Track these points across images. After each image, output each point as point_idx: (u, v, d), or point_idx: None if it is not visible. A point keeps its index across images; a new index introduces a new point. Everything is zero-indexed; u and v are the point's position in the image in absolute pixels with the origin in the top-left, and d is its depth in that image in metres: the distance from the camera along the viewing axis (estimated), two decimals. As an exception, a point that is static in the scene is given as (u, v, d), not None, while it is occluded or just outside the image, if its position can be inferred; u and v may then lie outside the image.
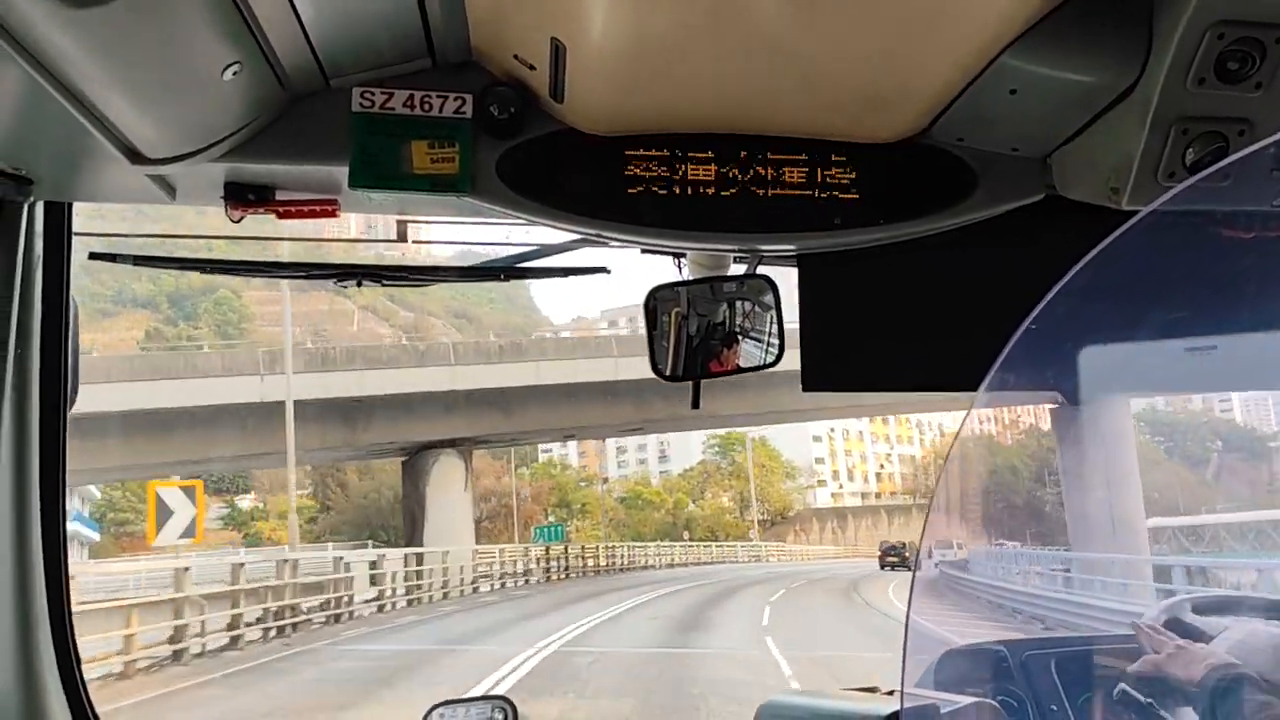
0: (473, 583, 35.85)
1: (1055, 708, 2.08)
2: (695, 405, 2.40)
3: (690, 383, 2.37)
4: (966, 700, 1.96)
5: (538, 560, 44.06)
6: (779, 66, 1.84)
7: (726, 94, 1.95)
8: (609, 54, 1.78)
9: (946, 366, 2.22)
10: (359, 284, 2.40)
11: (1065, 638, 2.53)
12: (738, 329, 2.35)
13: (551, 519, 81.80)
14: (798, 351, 2.28)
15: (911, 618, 1.59)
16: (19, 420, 2.03)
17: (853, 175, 2.09)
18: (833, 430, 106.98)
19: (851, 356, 2.33)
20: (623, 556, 56.11)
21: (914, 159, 2.11)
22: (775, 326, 2.32)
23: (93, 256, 2.28)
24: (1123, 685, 1.84)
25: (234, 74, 1.68)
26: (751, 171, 2.07)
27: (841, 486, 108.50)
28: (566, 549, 48.95)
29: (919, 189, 2.11)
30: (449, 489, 40.71)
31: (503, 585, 38.59)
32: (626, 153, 2.05)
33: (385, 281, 2.44)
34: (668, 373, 2.31)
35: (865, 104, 1.98)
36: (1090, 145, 1.99)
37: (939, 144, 2.10)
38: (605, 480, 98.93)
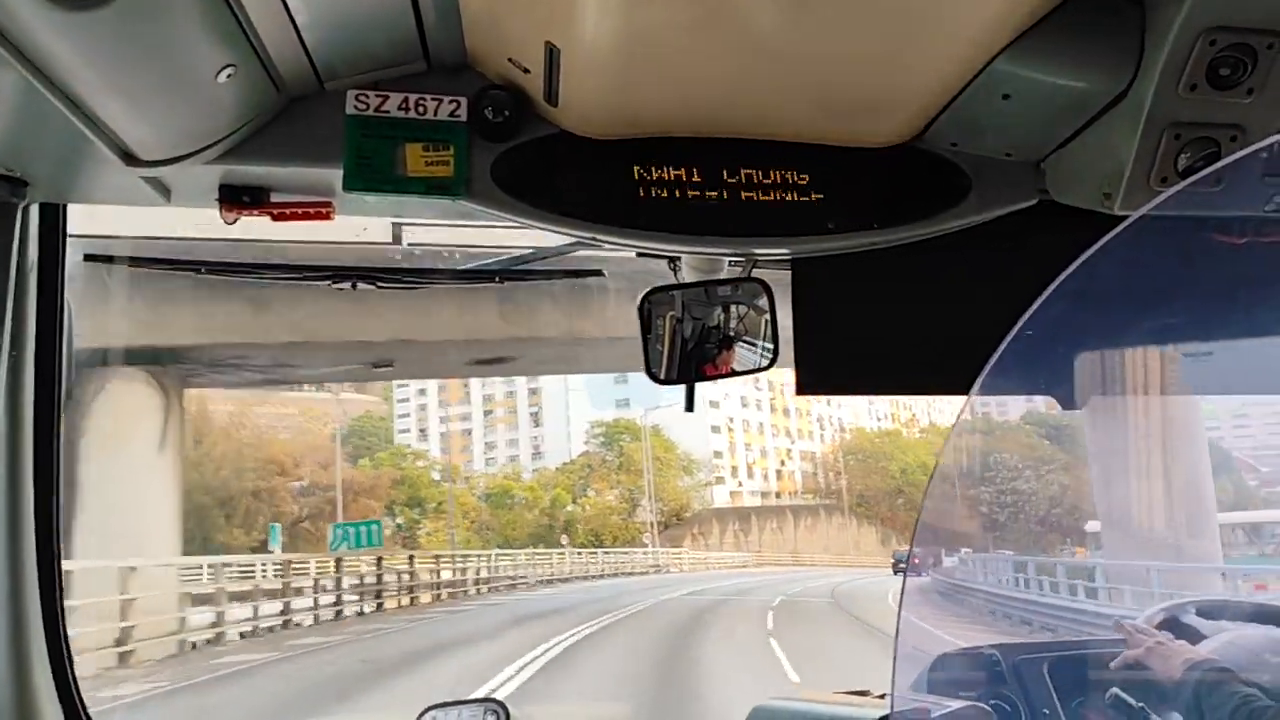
0: (120, 643, 17.69)
1: (1048, 712, 2.09)
2: (689, 408, 2.40)
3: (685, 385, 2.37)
4: (958, 704, 1.96)
5: (319, 583, 26.18)
6: (772, 71, 1.85)
7: (721, 98, 1.96)
8: (603, 58, 1.78)
9: (940, 370, 2.22)
10: (354, 286, 2.41)
11: (1057, 642, 2.53)
12: (732, 332, 2.35)
13: (399, 520, 67.73)
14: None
15: (903, 622, 1.59)
16: (13, 422, 2.03)
17: (847, 179, 2.10)
18: (732, 421, 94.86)
19: (845, 360, 2.33)
20: (482, 570, 40.06)
21: (908, 163, 2.11)
22: (769, 329, 2.32)
23: (88, 258, 2.28)
24: (1114, 689, 1.85)
25: (228, 76, 1.68)
26: (746, 175, 2.08)
27: (741, 484, 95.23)
28: (381, 563, 29.97)
29: (913, 193, 2.12)
30: (125, 444, 21.54)
31: (217, 637, 20.47)
32: (621, 156, 2.05)
33: (380, 283, 2.45)
34: (662, 376, 2.31)
35: (859, 108, 1.99)
36: (1083, 150, 2.00)
37: (933, 148, 2.11)
38: (466, 479, 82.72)
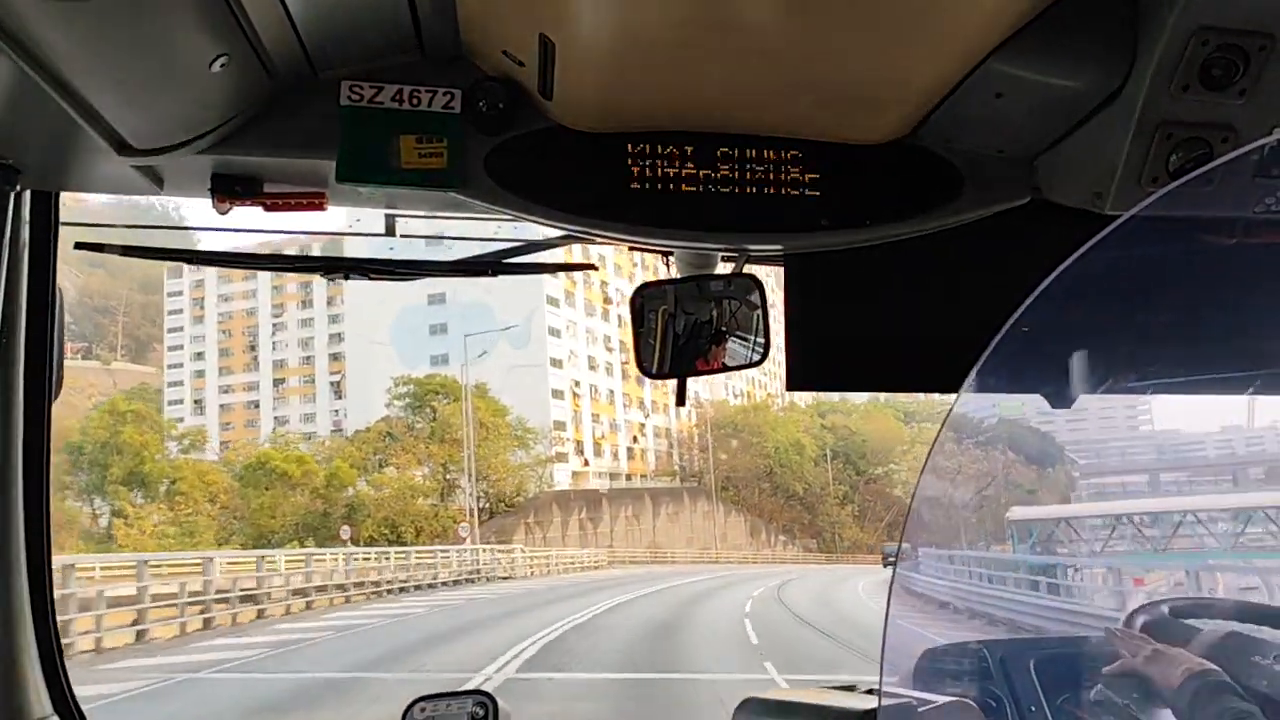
0: None
1: (1034, 708, 2.09)
2: (680, 403, 2.41)
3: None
4: (945, 699, 1.97)
5: None
6: (767, 66, 1.85)
7: (714, 93, 1.96)
8: (597, 52, 1.78)
9: (931, 367, 2.23)
10: (346, 277, 2.40)
11: (1044, 638, 2.54)
12: (724, 328, 2.35)
13: (115, 504, 51.46)
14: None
15: (891, 617, 1.60)
16: (3, 410, 2.03)
17: (840, 175, 2.10)
18: (578, 385, 78.06)
19: (836, 356, 2.33)
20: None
21: (901, 160, 2.11)
22: (761, 325, 2.32)
23: (78, 246, 2.27)
24: (1100, 686, 1.85)
25: (221, 65, 1.67)
26: (739, 170, 2.08)
27: (587, 463, 78.81)
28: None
29: (906, 190, 2.12)
30: None
31: None
32: (614, 150, 2.05)
33: (373, 275, 2.44)
34: (654, 370, 2.31)
35: (853, 105, 1.99)
36: (1075, 149, 2.00)
37: (926, 146, 2.11)
38: (218, 455, 64.18)
